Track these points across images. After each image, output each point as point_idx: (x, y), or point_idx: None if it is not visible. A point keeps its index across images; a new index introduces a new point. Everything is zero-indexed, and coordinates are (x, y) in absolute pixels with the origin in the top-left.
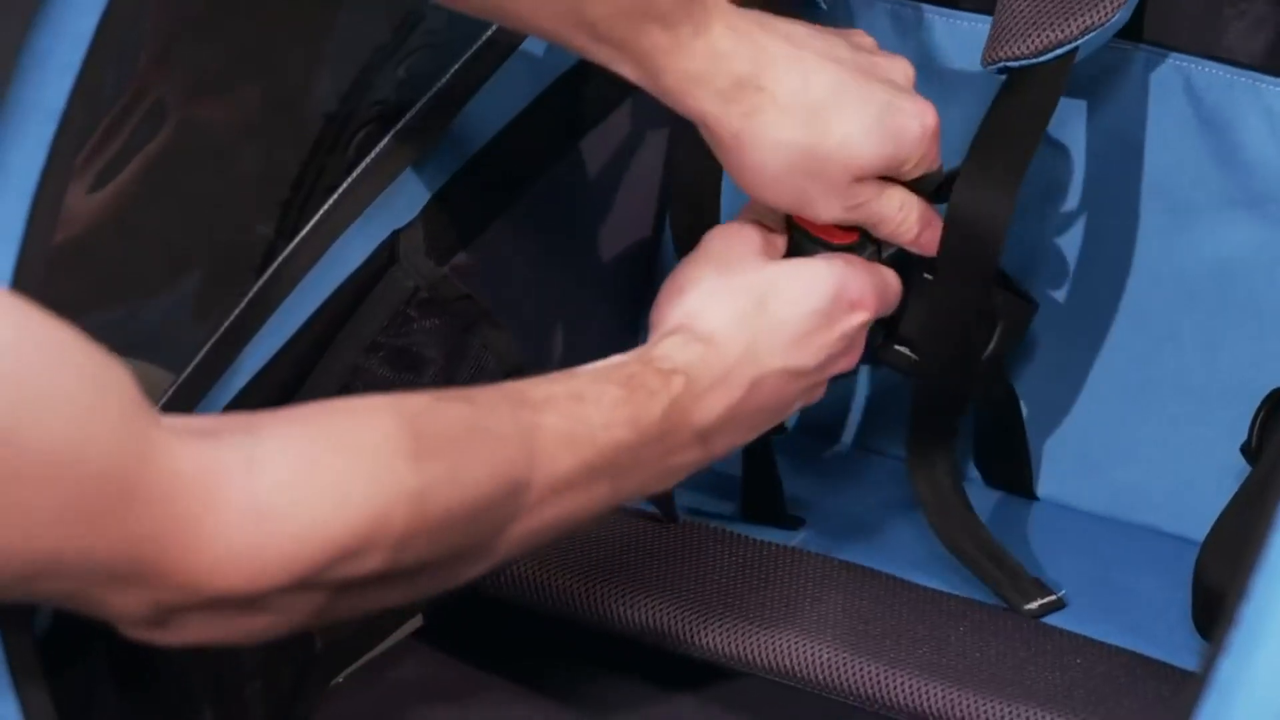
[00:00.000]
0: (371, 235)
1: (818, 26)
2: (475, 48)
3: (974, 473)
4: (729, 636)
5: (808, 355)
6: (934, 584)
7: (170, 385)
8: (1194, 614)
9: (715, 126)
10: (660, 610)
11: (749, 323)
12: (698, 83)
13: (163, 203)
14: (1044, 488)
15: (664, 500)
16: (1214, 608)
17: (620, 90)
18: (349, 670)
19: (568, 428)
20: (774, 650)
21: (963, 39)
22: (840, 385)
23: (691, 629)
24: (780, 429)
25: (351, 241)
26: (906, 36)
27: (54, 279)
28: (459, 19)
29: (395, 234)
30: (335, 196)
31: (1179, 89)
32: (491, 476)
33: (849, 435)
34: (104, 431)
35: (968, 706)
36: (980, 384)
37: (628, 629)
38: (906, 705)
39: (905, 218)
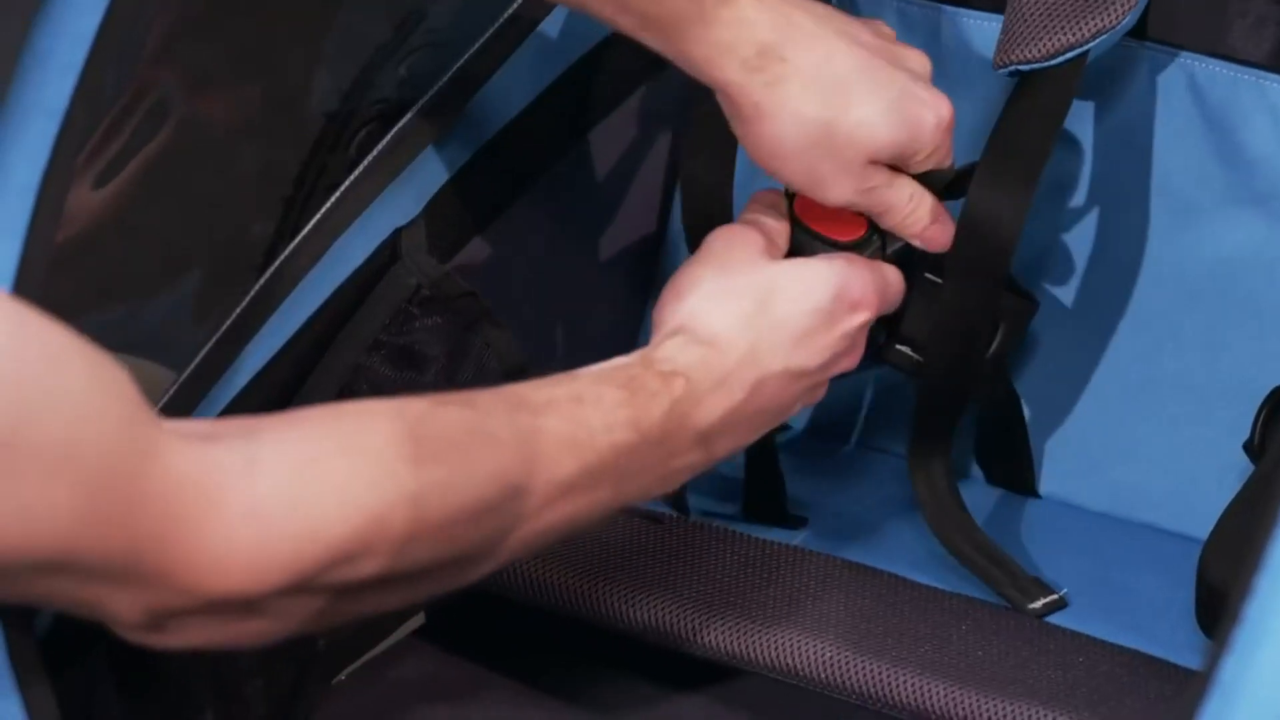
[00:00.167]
0: (373, 233)
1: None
2: (477, 46)
3: (976, 471)
4: (731, 635)
5: (809, 355)
6: (936, 583)
7: (171, 384)
8: (1197, 612)
9: (737, 96)
10: (662, 609)
11: (750, 324)
12: (723, 51)
13: (164, 202)
14: (1046, 486)
15: (678, 502)
16: (1217, 606)
17: (623, 86)
18: (350, 668)
19: (569, 431)
20: (776, 648)
21: (971, 38)
22: (843, 384)
23: (694, 628)
24: (784, 427)
25: (353, 239)
26: (914, 34)
27: (56, 278)
28: (461, 17)
29: (397, 232)
30: (337, 195)
31: (1183, 87)
32: (491, 480)
33: (852, 433)
34: (104, 433)
35: (970, 705)
36: (983, 384)
37: (630, 628)
38: (909, 703)
39: (915, 208)
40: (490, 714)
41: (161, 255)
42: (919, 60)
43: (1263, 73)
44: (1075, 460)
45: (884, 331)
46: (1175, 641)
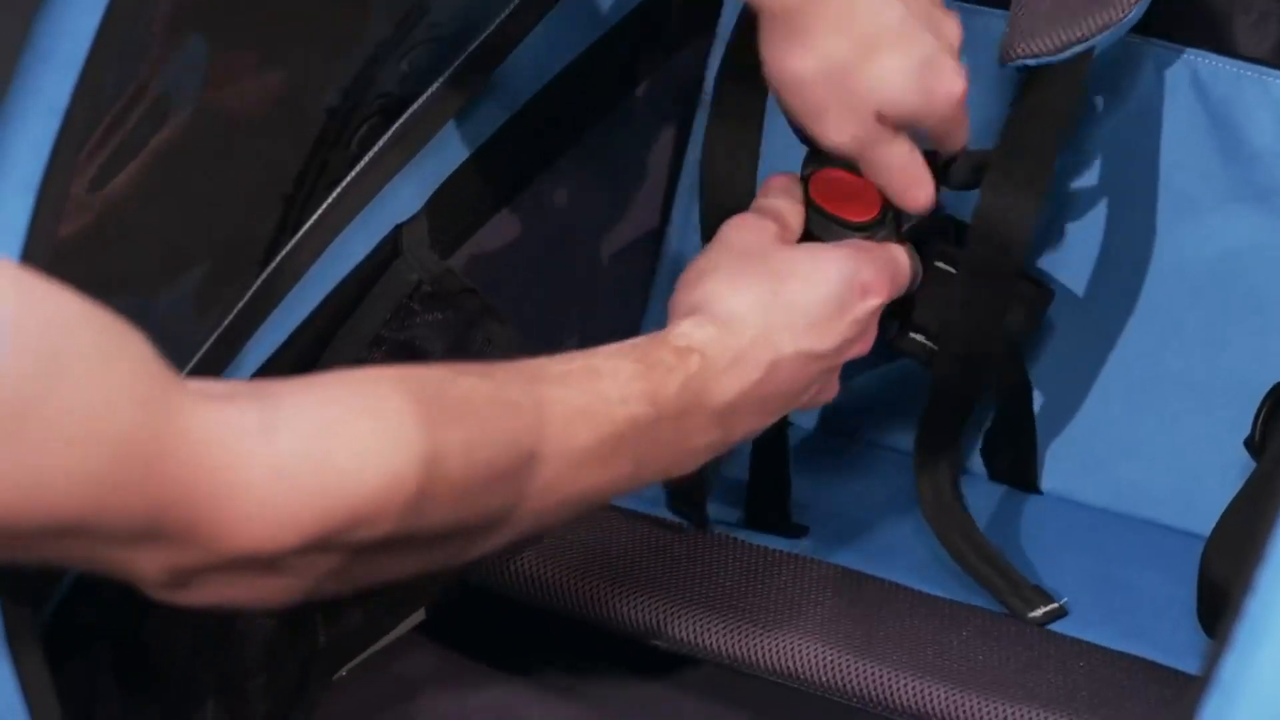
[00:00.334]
0: (375, 229)
1: None
2: (478, 41)
3: (978, 467)
4: (732, 638)
5: (822, 339)
6: (937, 591)
7: None
8: (1199, 610)
9: (773, 17)
10: (664, 611)
11: (764, 306)
12: None
13: (165, 198)
14: (1047, 482)
15: (697, 513)
16: (1219, 603)
17: (625, 83)
18: (352, 664)
19: (584, 402)
20: (777, 651)
21: (978, 33)
22: (853, 379)
23: (695, 630)
24: (788, 423)
25: (354, 235)
26: None
27: (58, 275)
28: (463, 11)
29: (398, 227)
30: (338, 190)
31: (1186, 83)
32: (508, 446)
33: (860, 429)
34: (126, 395)
35: (971, 708)
36: (997, 370)
37: (631, 629)
38: (909, 707)
39: (904, 171)
40: (491, 710)
41: (163, 251)
42: (953, 29)
43: (1266, 69)
44: (1077, 456)
45: (896, 323)
46: (1176, 643)
